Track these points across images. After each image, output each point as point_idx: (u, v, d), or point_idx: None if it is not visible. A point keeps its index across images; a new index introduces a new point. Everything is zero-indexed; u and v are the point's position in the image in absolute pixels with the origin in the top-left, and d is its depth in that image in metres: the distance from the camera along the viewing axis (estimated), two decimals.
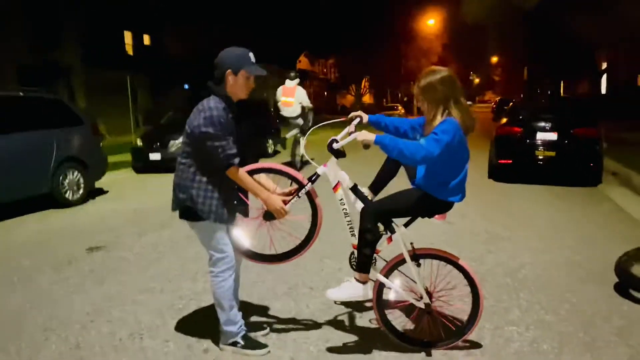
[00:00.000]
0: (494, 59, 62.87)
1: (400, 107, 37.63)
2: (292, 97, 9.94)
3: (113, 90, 20.83)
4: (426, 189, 2.83)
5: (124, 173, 11.61)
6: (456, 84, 2.72)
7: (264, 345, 3.09)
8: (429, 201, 2.85)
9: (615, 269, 3.99)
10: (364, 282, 2.92)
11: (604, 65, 30.50)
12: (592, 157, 8.53)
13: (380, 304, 3.08)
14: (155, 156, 11.41)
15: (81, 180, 8.01)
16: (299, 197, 2.94)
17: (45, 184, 7.41)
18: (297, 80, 10.05)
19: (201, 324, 3.48)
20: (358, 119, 3.07)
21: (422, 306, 3.08)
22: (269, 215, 2.94)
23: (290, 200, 2.93)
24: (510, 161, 8.81)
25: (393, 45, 40.86)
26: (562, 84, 31.10)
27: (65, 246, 5.53)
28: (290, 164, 10.07)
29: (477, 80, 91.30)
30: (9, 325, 3.58)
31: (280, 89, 10.13)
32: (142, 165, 11.65)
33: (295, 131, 10.04)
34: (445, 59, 49.35)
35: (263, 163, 3.09)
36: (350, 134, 2.86)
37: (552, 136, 8.65)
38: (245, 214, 3.12)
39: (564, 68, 28.33)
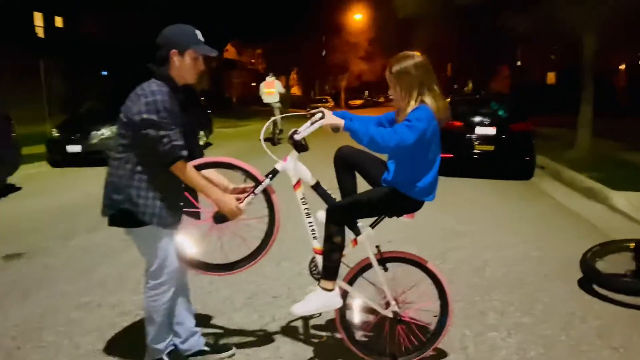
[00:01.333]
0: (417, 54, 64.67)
1: (330, 100, 37.69)
2: (272, 88, 14.00)
3: (21, 75, 19.04)
4: (397, 187, 2.58)
5: (38, 167, 10.55)
6: (431, 70, 2.51)
7: None
8: (400, 199, 2.59)
9: (580, 265, 3.97)
10: (331, 290, 2.61)
11: (518, 63, 32.26)
12: (527, 151, 8.78)
13: (344, 315, 2.78)
14: (74, 148, 10.47)
15: None
16: (255, 194, 2.60)
17: None
18: (274, 77, 14.34)
19: None
20: (320, 114, 2.72)
21: (390, 315, 2.82)
22: (220, 218, 2.58)
23: (244, 199, 2.58)
24: (452, 155, 8.85)
25: (320, 37, 40.83)
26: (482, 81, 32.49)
27: None
28: (270, 140, 13.16)
29: None
30: None
31: (262, 84, 14.37)
32: (60, 159, 10.64)
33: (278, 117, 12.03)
34: (372, 54, 50.05)
35: (213, 157, 2.70)
36: (313, 123, 2.54)
37: (491, 131, 8.81)
38: (197, 216, 2.73)
39: (486, 65, 29.61)
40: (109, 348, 3.01)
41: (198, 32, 2.50)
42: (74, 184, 8.70)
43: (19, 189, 8.10)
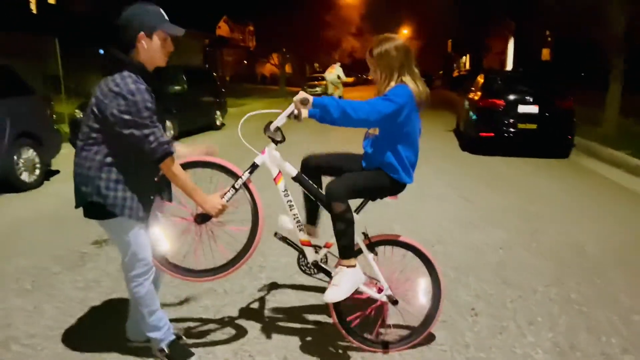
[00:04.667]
0: (405, 31, 64.39)
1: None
2: (334, 70, 17.59)
3: (20, 52, 18.45)
4: (383, 168, 2.59)
5: (62, 148, 10.23)
6: (411, 52, 2.55)
7: (191, 354, 2.70)
8: (387, 180, 2.60)
9: None
10: (354, 265, 2.58)
11: (511, 39, 32.18)
12: (569, 129, 8.80)
13: (338, 303, 2.71)
14: None
15: (37, 159, 6.86)
16: (236, 189, 2.56)
17: None
18: (339, 63, 18.17)
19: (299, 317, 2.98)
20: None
21: (385, 299, 2.78)
22: (203, 218, 2.55)
23: (225, 194, 2.54)
24: (492, 134, 8.85)
25: (312, 13, 40.11)
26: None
27: (59, 239, 4.62)
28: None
29: None
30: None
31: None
32: None
33: (338, 91, 17.26)
34: (364, 30, 49.54)
35: (196, 156, 2.63)
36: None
37: (534, 109, 8.78)
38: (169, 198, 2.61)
39: (484, 40, 29.62)
40: (259, 338, 2.95)
41: (163, 11, 2.38)
42: None
43: (57, 171, 7.86)
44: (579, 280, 3.76)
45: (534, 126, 8.76)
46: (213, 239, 2.66)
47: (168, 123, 10.82)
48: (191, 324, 3.10)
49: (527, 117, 8.80)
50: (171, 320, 2.74)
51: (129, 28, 2.28)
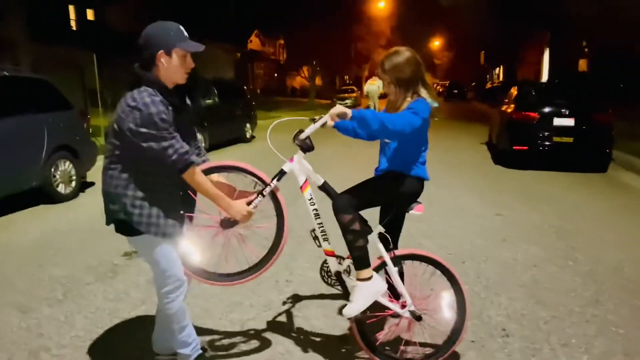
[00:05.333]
0: (436, 43, 64.05)
1: (356, 90, 37.21)
2: (375, 82, 18.92)
3: (60, 66, 19.17)
4: (398, 168, 2.62)
5: (98, 161, 10.50)
6: (421, 64, 2.59)
7: None
8: (403, 181, 2.60)
9: None
10: (370, 277, 2.54)
11: (547, 50, 31.56)
12: (608, 142, 8.53)
13: (360, 318, 2.65)
14: None
15: (73, 172, 7.05)
16: (263, 196, 2.52)
17: (36, 177, 6.42)
18: (378, 77, 18.24)
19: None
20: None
21: (408, 315, 2.69)
22: (228, 223, 2.53)
23: (252, 201, 2.51)
24: (526, 147, 8.65)
25: (343, 26, 40.33)
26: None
27: (92, 250, 4.71)
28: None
29: None
30: None
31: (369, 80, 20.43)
32: None
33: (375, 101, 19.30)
34: (394, 42, 49.46)
35: (219, 161, 2.60)
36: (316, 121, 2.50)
37: (570, 122, 8.55)
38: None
39: (519, 51, 29.15)
40: (291, 349, 2.93)
41: (182, 29, 2.37)
42: None
43: (92, 183, 8.06)
44: (616, 301, 3.61)
45: (570, 139, 8.52)
46: (241, 241, 2.65)
47: (199, 136, 10.97)
48: (217, 337, 3.11)
49: (563, 130, 8.56)
50: (197, 334, 2.74)
51: (149, 47, 2.31)
